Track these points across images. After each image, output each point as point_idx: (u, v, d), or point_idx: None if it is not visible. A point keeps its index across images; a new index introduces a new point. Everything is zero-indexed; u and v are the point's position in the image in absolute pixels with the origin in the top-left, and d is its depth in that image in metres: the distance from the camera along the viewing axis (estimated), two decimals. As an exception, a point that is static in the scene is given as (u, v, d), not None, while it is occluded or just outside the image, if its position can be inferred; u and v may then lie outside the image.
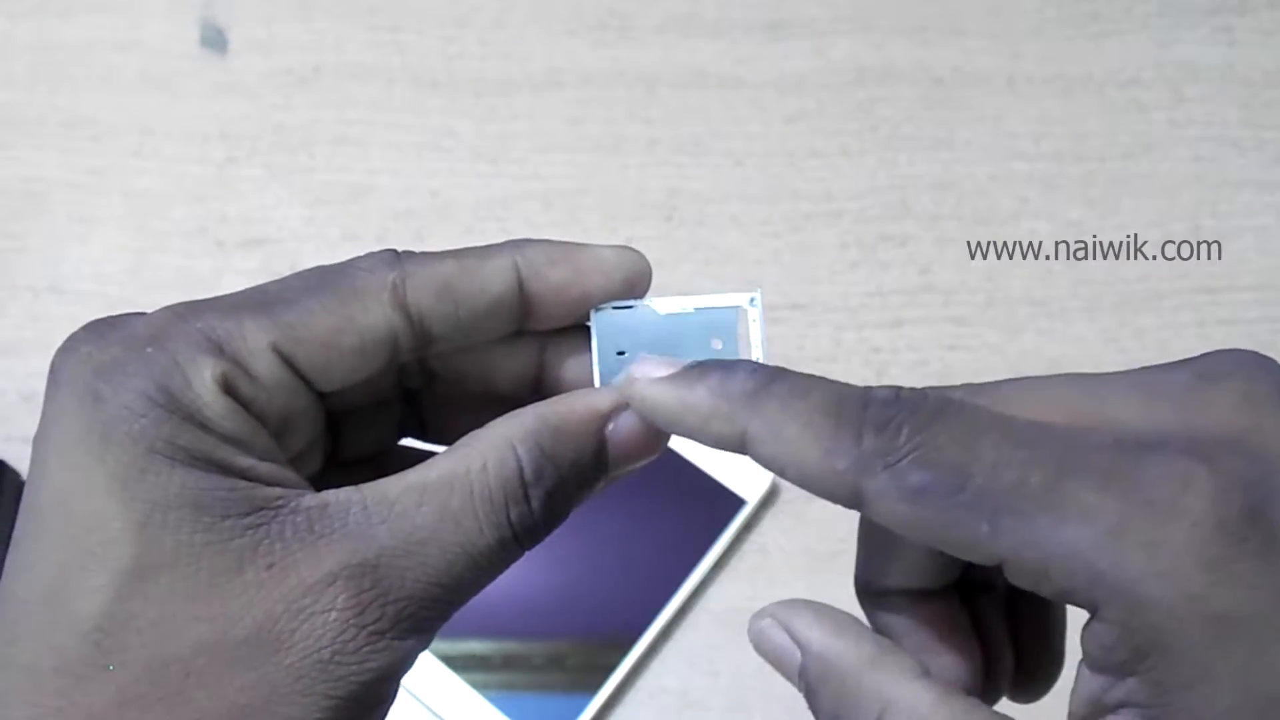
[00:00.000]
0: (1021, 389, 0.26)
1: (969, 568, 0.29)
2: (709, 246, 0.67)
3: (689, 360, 0.28)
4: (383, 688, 0.26)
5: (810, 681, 0.26)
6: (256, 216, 0.68)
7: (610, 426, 0.28)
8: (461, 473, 0.27)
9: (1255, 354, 0.26)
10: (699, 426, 0.27)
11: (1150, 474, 0.23)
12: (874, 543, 0.29)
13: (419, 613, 0.26)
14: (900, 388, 0.26)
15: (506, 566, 0.27)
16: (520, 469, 0.27)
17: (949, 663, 0.28)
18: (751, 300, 0.30)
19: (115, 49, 0.73)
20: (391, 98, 0.71)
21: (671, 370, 0.28)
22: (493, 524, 0.27)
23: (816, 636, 0.26)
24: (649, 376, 0.28)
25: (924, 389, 0.26)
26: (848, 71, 0.71)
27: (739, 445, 0.27)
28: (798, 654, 0.27)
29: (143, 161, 0.70)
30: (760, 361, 0.28)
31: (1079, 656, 0.24)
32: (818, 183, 0.68)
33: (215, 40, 0.73)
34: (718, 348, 0.30)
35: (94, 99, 0.71)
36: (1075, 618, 0.29)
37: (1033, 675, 0.30)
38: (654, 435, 0.29)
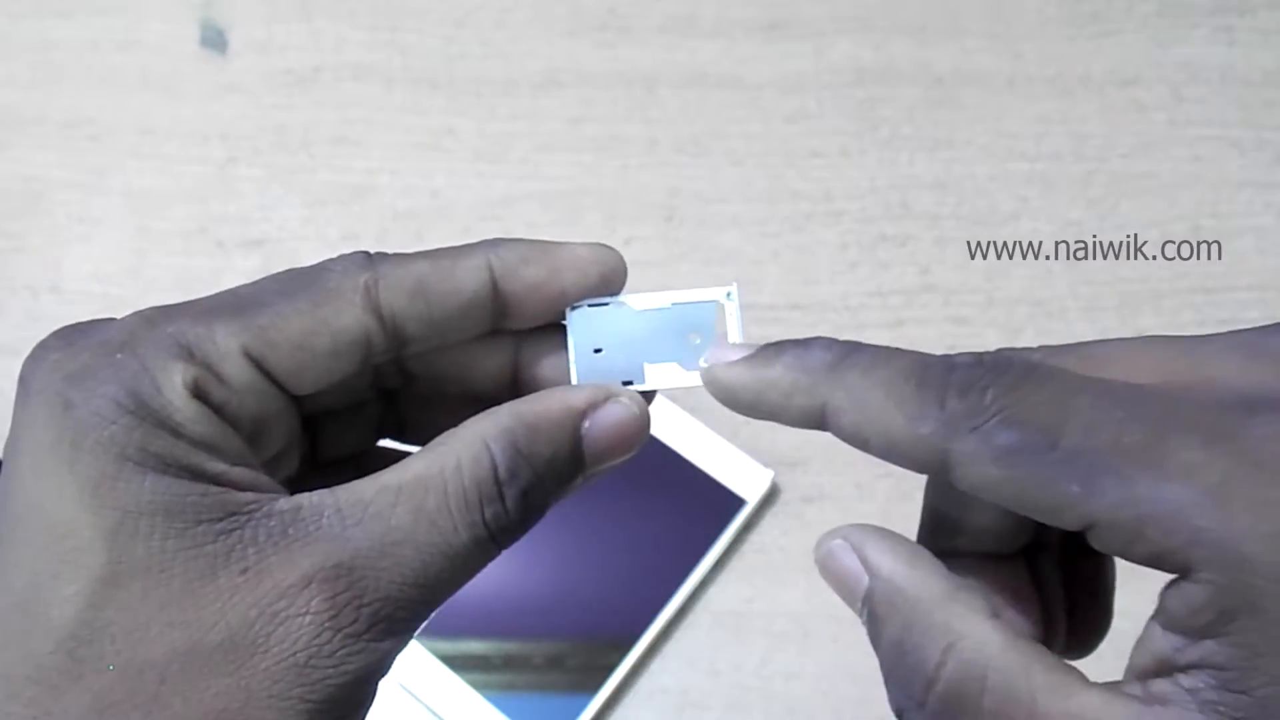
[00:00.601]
0: (1110, 349, 0.26)
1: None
2: (709, 246, 0.67)
3: (761, 343, 0.28)
4: (360, 690, 0.26)
5: (875, 608, 0.26)
6: (256, 216, 0.68)
7: (586, 424, 0.28)
8: (436, 472, 0.26)
9: None
10: (780, 403, 0.27)
11: (1257, 433, 0.23)
12: (943, 509, 0.29)
13: (395, 614, 0.26)
14: (983, 352, 0.25)
15: (483, 566, 0.27)
16: (495, 468, 0.27)
17: (1014, 620, 0.28)
18: (728, 294, 0.30)
19: (115, 49, 0.73)
20: (391, 98, 0.71)
21: (746, 353, 0.28)
22: (467, 523, 0.26)
23: (889, 564, 0.26)
24: (724, 360, 0.28)
25: (1006, 352, 0.26)
26: (848, 71, 0.71)
27: (819, 419, 0.27)
28: (865, 579, 0.26)
29: (143, 161, 0.70)
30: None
31: (1129, 613, 0.24)
32: (818, 183, 0.68)
33: (215, 40, 0.73)
34: (696, 343, 0.30)
35: (94, 99, 0.71)
36: (1122, 577, 0.29)
37: (1083, 632, 0.30)
38: (631, 432, 0.29)
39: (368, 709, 0.27)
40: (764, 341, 0.28)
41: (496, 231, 0.69)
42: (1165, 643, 0.23)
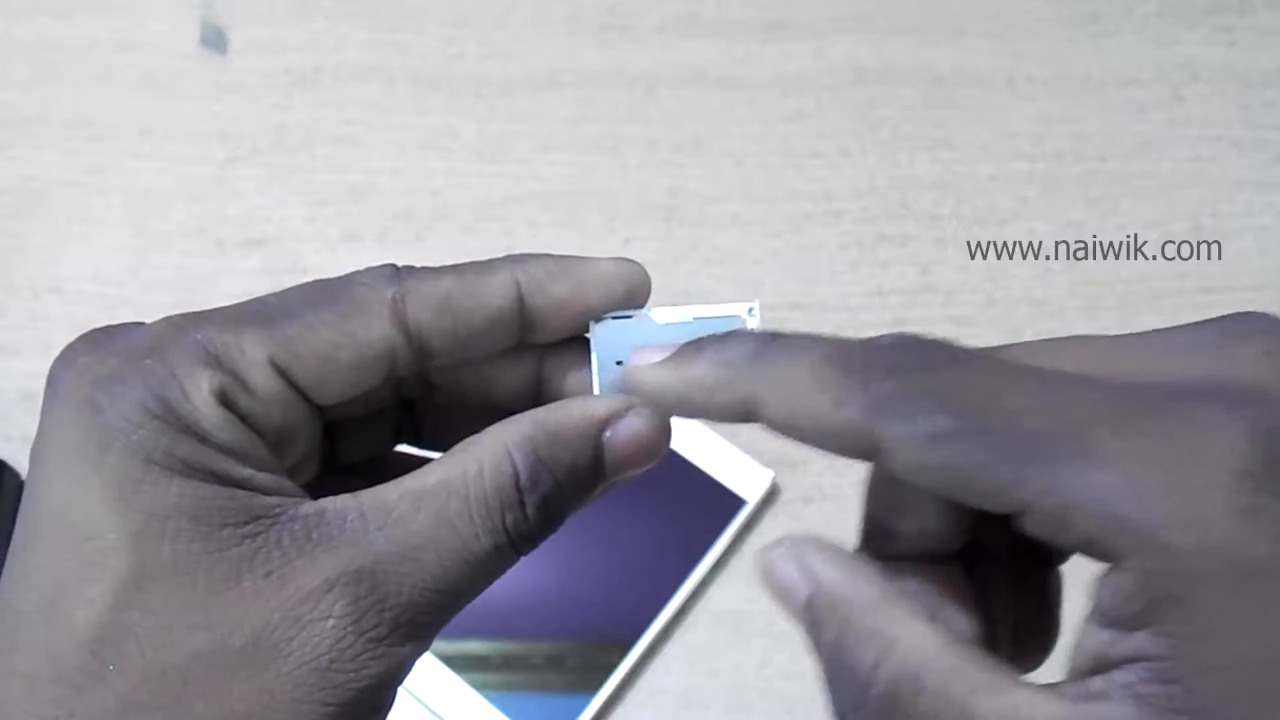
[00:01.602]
0: (1035, 347, 0.26)
1: (975, 532, 0.29)
2: (709, 246, 0.67)
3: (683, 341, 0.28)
4: (381, 694, 0.26)
5: (815, 615, 0.26)
6: (256, 216, 0.68)
7: (608, 433, 0.28)
8: (458, 478, 0.27)
9: (1277, 316, 0.25)
10: (705, 401, 0.27)
11: (1177, 421, 0.23)
12: (881, 505, 0.29)
13: (416, 618, 0.26)
14: (903, 333, 0.25)
15: (503, 571, 0.27)
16: (516, 474, 0.27)
17: (954, 624, 0.28)
18: (750, 310, 0.30)
19: (115, 49, 0.73)
20: (391, 98, 0.71)
21: (666, 354, 0.28)
22: (488, 529, 0.27)
23: (829, 572, 0.26)
24: (646, 363, 0.28)
25: (926, 336, 0.26)
26: (848, 71, 0.71)
27: (747, 413, 0.26)
28: (805, 588, 0.26)
29: (143, 161, 0.70)
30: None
31: (1073, 617, 0.24)
32: (818, 183, 0.68)
33: (215, 40, 0.73)
34: None
35: (94, 99, 0.71)
36: (1072, 585, 0.29)
37: (1030, 644, 0.29)
38: (652, 443, 0.29)
39: (387, 713, 0.27)
40: (676, 350, 0.28)
41: (496, 231, 0.70)
42: (1098, 639, 0.23)
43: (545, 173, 0.69)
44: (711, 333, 0.30)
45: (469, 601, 0.27)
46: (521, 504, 0.27)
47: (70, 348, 0.27)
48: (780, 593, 0.27)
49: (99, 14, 0.73)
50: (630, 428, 0.28)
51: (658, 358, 0.28)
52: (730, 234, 0.67)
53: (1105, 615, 0.23)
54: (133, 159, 0.70)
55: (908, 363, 0.24)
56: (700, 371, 0.27)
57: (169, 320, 0.27)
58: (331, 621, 0.25)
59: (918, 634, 0.24)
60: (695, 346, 0.28)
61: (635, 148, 0.69)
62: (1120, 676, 0.23)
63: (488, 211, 0.68)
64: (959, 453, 0.23)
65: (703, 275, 0.66)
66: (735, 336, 0.27)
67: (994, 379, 0.24)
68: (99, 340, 0.27)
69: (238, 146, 0.70)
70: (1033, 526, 0.24)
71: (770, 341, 0.27)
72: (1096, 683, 0.23)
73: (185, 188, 0.69)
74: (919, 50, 0.71)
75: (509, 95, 0.71)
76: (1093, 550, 0.23)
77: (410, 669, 0.27)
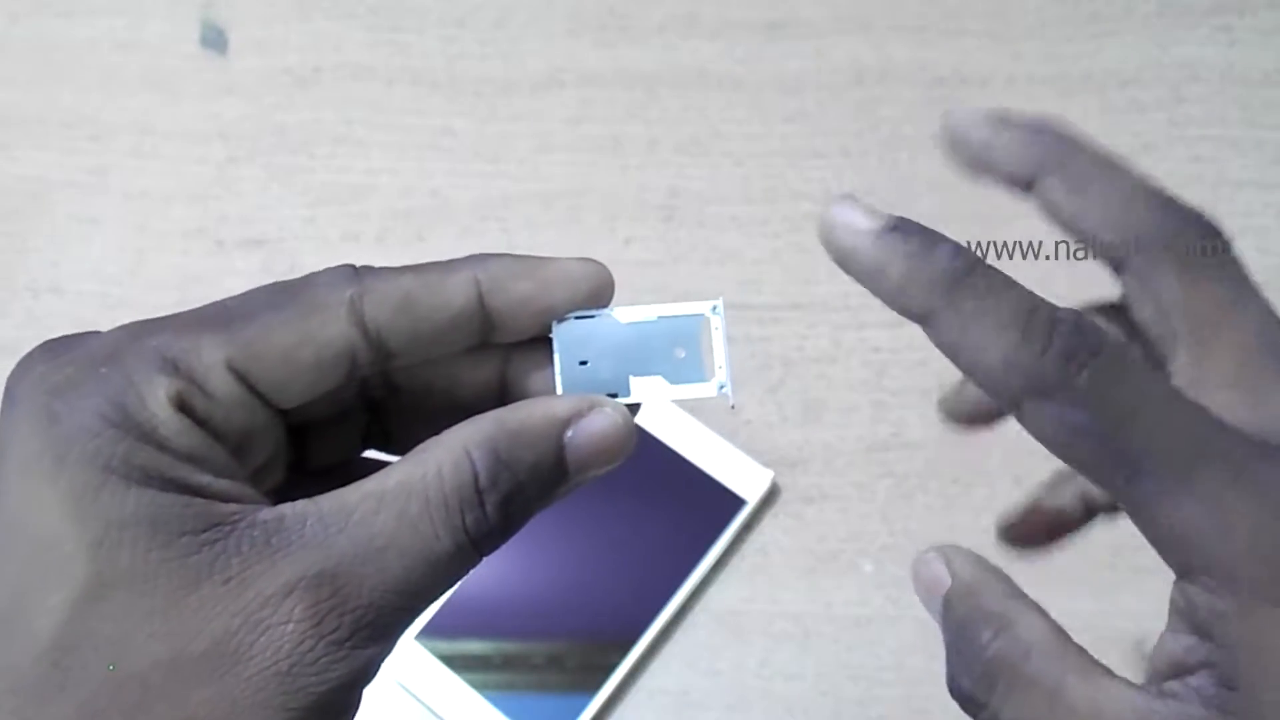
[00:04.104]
0: (1207, 371, 0.29)
1: None
2: (709, 246, 0.67)
3: (889, 216, 0.28)
4: (344, 697, 0.26)
5: (951, 600, 0.29)
6: (256, 216, 0.68)
7: (569, 433, 0.28)
8: (418, 479, 0.27)
9: None
10: (888, 293, 0.27)
11: (1271, 478, 0.25)
12: None
13: (378, 620, 0.26)
14: (1079, 317, 0.26)
15: (465, 572, 0.27)
16: (475, 474, 0.27)
17: None
18: (714, 309, 0.30)
19: (115, 49, 0.73)
20: (391, 98, 0.71)
21: (875, 224, 0.28)
22: (449, 529, 0.26)
23: (970, 570, 0.29)
24: (853, 226, 0.28)
25: (1099, 330, 0.27)
26: (848, 71, 0.71)
27: (919, 320, 0.27)
28: (948, 581, 0.29)
29: (143, 161, 0.70)
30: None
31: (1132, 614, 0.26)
32: (818, 183, 0.68)
33: (215, 40, 0.73)
34: (681, 356, 0.30)
35: (94, 99, 0.71)
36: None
37: None
38: (614, 442, 0.29)
39: (353, 716, 0.27)
40: (884, 226, 0.28)
41: (496, 231, 0.70)
42: (1177, 645, 0.26)
43: (545, 173, 0.69)
44: (676, 332, 0.30)
45: (432, 602, 0.27)
46: (481, 504, 0.27)
47: (28, 357, 0.27)
48: (926, 584, 0.30)
49: (99, 14, 0.73)
50: (592, 427, 0.28)
51: (865, 225, 0.28)
52: (730, 234, 0.67)
53: (1180, 620, 0.26)
54: (133, 159, 0.70)
55: (1078, 354, 0.26)
56: (897, 269, 0.27)
57: (125, 327, 0.27)
58: (291, 626, 0.25)
59: (1032, 621, 0.28)
60: (901, 235, 0.27)
61: (635, 148, 0.69)
62: (1194, 680, 0.26)
63: (488, 211, 0.68)
64: (1088, 448, 0.26)
65: (702, 275, 0.66)
66: (941, 246, 0.27)
67: (1142, 397, 0.26)
68: (56, 349, 0.27)
69: (238, 146, 0.70)
70: (1130, 517, 0.27)
71: (969, 272, 0.27)
72: (1173, 685, 0.26)
73: (185, 188, 0.69)
74: (919, 50, 0.71)
75: (509, 95, 0.71)
76: (1171, 563, 0.26)
77: (375, 671, 0.27)
